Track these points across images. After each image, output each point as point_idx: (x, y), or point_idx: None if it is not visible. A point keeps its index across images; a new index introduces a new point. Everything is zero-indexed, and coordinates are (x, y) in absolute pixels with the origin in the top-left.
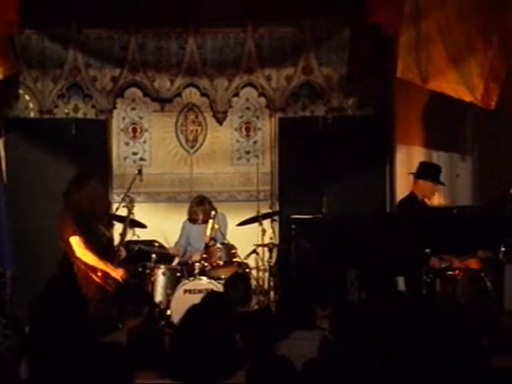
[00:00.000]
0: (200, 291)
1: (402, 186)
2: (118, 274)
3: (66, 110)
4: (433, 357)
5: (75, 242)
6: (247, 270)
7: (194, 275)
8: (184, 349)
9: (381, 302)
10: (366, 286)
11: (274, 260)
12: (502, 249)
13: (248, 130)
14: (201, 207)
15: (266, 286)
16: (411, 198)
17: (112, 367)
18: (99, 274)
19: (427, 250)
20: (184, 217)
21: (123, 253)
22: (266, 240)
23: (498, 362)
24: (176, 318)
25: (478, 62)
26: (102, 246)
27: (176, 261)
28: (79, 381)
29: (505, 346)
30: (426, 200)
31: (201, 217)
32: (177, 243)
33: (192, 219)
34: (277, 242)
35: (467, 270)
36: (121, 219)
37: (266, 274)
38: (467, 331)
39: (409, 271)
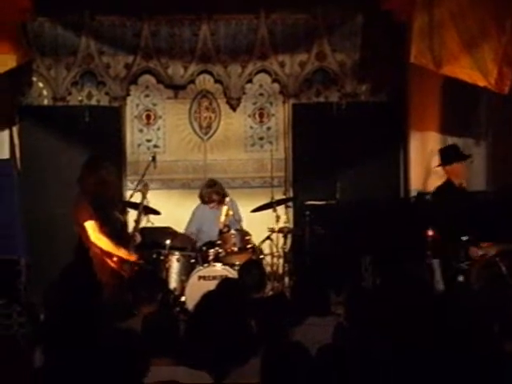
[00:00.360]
0: (214, 278)
1: (416, 172)
2: (131, 258)
3: (80, 98)
4: (445, 343)
5: (90, 226)
6: (261, 257)
7: (208, 261)
8: (199, 335)
9: (395, 288)
10: (380, 271)
11: (288, 246)
12: None
13: (262, 116)
14: (214, 189)
15: (280, 272)
16: (447, 184)
17: (127, 354)
18: (115, 259)
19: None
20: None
21: (138, 238)
22: (281, 226)
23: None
24: (190, 305)
25: (492, 47)
26: (116, 231)
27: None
28: (94, 367)
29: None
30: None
31: (215, 198)
32: (186, 229)
33: (205, 201)
34: (291, 227)
35: (481, 255)
36: (135, 206)
37: (281, 260)
38: (479, 317)
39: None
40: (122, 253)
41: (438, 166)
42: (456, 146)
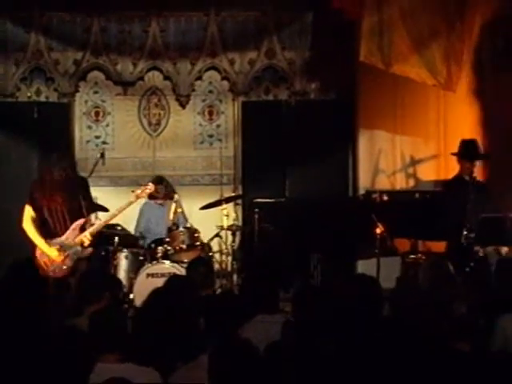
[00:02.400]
0: (163, 275)
1: (365, 171)
2: (51, 253)
3: (29, 94)
4: (393, 340)
5: (26, 211)
6: (210, 254)
7: (156, 259)
8: (146, 332)
9: (342, 285)
10: (328, 269)
11: (237, 244)
12: (464, 232)
13: (211, 113)
14: (160, 185)
15: (229, 269)
16: (455, 178)
17: (71, 351)
18: (38, 252)
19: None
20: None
21: (88, 251)
22: (230, 224)
23: (459, 346)
24: (139, 302)
25: (441, 45)
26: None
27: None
28: (38, 365)
29: (464, 330)
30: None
31: (161, 194)
32: (136, 227)
33: (151, 197)
34: (240, 225)
35: (430, 253)
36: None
37: (229, 258)
38: (426, 315)
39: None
40: (46, 249)
41: (456, 155)
42: (469, 144)
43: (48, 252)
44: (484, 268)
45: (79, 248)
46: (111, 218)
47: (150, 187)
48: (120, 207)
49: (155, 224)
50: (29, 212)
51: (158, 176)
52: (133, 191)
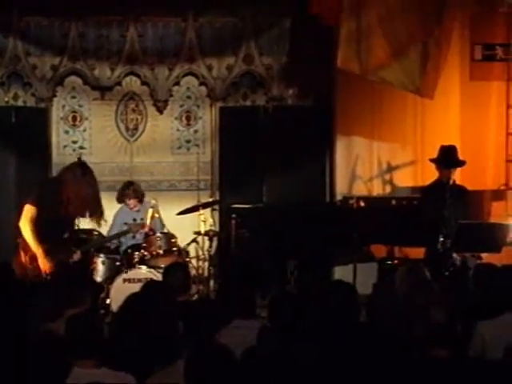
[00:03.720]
0: (139, 280)
1: (342, 176)
2: (44, 265)
3: (6, 99)
4: (370, 346)
5: (26, 210)
6: (187, 259)
7: (133, 264)
8: (122, 337)
9: (318, 291)
10: (305, 275)
11: (213, 249)
12: (441, 239)
13: (188, 119)
14: (129, 189)
15: (205, 274)
16: (434, 183)
17: (47, 356)
18: (28, 256)
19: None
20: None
21: (76, 256)
22: (207, 229)
23: (436, 352)
24: (115, 307)
25: (418, 52)
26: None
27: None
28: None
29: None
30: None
31: (131, 197)
32: (108, 232)
33: (121, 201)
34: (217, 231)
35: (406, 259)
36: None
37: (206, 263)
38: (403, 321)
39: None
40: (39, 253)
41: (434, 162)
42: (446, 151)
43: (41, 260)
44: (462, 274)
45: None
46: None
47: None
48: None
49: None
50: (31, 211)
51: (128, 181)
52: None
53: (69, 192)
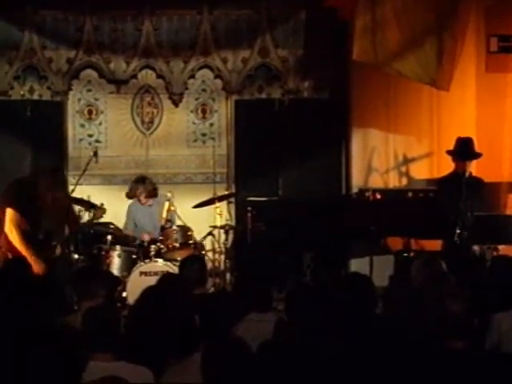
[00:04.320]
0: (156, 273)
1: (358, 169)
2: (37, 266)
3: (22, 92)
4: (387, 338)
5: (9, 214)
6: (203, 252)
7: (149, 257)
8: (139, 330)
9: (335, 284)
10: (321, 268)
11: (230, 242)
12: (457, 231)
13: (204, 112)
14: (140, 185)
15: (222, 268)
16: (450, 174)
17: (63, 350)
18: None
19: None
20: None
21: (58, 251)
22: (223, 222)
23: (453, 344)
24: (132, 300)
25: (434, 44)
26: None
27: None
28: (29, 363)
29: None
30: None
31: (142, 194)
32: (125, 227)
33: (130, 197)
34: (233, 224)
35: (422, 252)
36: (78, 201)
37: (222, 256)
38: (420, 313)
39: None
40: (29, 255)
41: (450, 154)
42: (462, 143)
43: (33, 263)
44: (480, 266)
45: None
46: None
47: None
48: None
49: (144, 224)
50: (14, 216)
51: (139, 175)
52: None
53: (43, 194)
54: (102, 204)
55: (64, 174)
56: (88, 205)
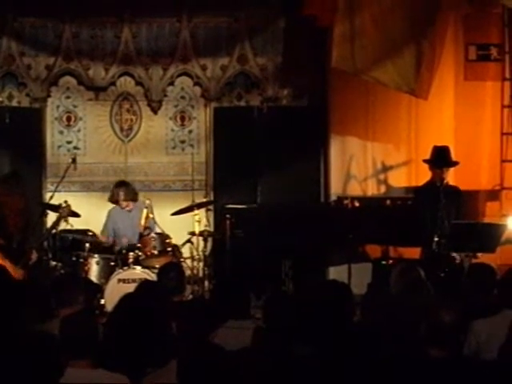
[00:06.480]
0: (134, 280)
1: (336, 177)
2: (16, 273)
3: (1, 99)
4: (364, 346)
5: None
6: (182, 260)
7: (128, 264)
8: (117, 337)
9: (312, 291)
10: (300, 275)
11: (208, 250)
12: (436, 239)
13: (183, 119)
14: (121, 189)
15: (200, 275)
16: (427, 183)
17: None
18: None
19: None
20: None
21: (34, 256)
22: (201, 229)
23: (431, 351)
24: (110, 307)
25: (413, 52)
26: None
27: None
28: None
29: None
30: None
31: (122, 198)
32: (103, 231)
33: (112, 201)
34: (211, 231)
35: (401, 259)
36: (54, 208)
37: (201, 264)
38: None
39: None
40: (8, 265)
41: (427, 163)
42: (438, 151)
43: (12, 271)
44: (459, 273)
45: None
46: None
47: None
48: None
49: (123, 229)
50: None
51: (121, 180)
52: None
53: (6, 204)
54: (66, 201)
55: (20, 178)
56: (50, 207)
